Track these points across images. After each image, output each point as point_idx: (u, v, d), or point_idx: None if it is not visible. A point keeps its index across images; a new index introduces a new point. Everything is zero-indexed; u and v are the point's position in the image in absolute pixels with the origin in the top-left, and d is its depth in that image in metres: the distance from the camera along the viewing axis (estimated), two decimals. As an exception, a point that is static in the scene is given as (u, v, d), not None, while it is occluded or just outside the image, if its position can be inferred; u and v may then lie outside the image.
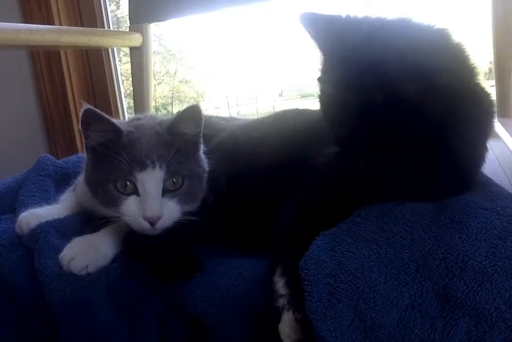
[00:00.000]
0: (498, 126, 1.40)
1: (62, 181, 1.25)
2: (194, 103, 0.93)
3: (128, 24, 1.87)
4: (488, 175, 0.93)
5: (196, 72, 2.79)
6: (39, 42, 1.36)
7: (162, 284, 0.85)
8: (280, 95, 2.68)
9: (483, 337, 0.62)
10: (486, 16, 1.50)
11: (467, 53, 0.83)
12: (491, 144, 0.89)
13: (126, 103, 2.40)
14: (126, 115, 2.34)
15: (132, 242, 0.92)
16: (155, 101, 2.70)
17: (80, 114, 0.91)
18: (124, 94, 2.37)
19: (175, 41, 2.68)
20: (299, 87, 2.59)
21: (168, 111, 2.72)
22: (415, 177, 0.80)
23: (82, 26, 2.13)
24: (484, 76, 1.80)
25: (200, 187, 0.98)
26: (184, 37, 2.57)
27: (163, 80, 2.81)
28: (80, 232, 0.94)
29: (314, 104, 0.95)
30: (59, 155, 1.52)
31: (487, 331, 0.62)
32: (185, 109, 0.94)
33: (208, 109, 0.90)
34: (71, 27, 2.01)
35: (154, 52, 2.39)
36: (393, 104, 0.74)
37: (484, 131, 0.86)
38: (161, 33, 2.62)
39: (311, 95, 2.44)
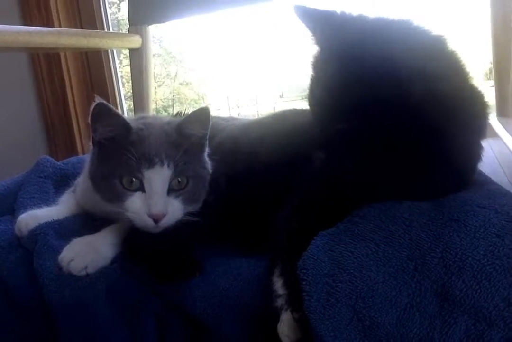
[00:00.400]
0: (497, 125, 1.41)
1: (62, 182, 1.25)
2: (204, 105, 0.94)
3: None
4: (487, 174, 0.93)
5: (197, 74, 2.80)
6: (38, 44, 1.37)
7: (162, 284, 0.85)
8: (281, 96, 2.68)
9: (482, 335, 0.61)
10: (486, 17, 1.50)
11: (461, 61, 0.84)
12: (490, 143, 0.89)
13: (126, 105, 2.41)
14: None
15: (132, 242, 0.91)
16: (156, 103, 2.71)
17: (91, 107, 0.91)
18: (125, 96, 2.38)
19: (176, 44, 2.69)
20: (300, 88, 2.58)
21: (168, 113, 2.72)
22: (410, 177, 0.80)
23: (82, 29, 2.14)
24: (485, 76, 1.81)
25: (203, 188, 0.99)
26: (185, 39, 2.58)
27: (163, 82, 2.82)
28: (80, 233, 0.93)
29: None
30: (59, 157, 1.52)
31: (486, 329, 0.62)
32: (194, 111, 0.95)
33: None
34: (70, 29, 2.02)
35: (154, 55, 2.40)
36: (390, 103, 0.75)
37: (478, 131, 0.86)
38: (162, 35, 2.63)
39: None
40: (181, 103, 2.83)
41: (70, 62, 2.18)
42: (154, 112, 2.17)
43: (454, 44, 0.84)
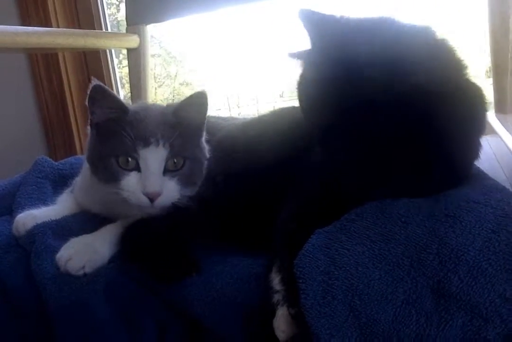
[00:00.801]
0: (495, 122, 1.40)
1: (60, 182, 1.25)
2: (201, 89, 0.95)
3: (129, 27, 1.87)
4: (485, 171, 0.92)
5: (197, 74, 2.79)
6: (35, 44, 1.37)
7: (159, 284, 0.85)
8: (281, 96, 2.68)
9: (478, 331, 0.61)
10: (483, 15, 1.50)
11: (452, 49, 0.84)
12: (488, 140, 0.89)
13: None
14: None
15: (129, 242, 0.92)
16: (156, 103, 2.70)
17: (89, 90, 0.92)
18: (125, 97, 2.37)
19: (176, 44, 2.68)
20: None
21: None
22: (406, 173, 0.79)
23: (80, 29, 2.13)
24: (485, 74, 1.81)
25: (200, 171, 1.00)
26: (184, 40, 2.57)
27: (163, 82, 2.81)
28: (77, 233, 0.94)
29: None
30: (57, 158, 1.52)
31: (482, 325, 0.61)
32: (191, 95, 0.97)
33: (209, 111, 0.91)
34: (67, 29, 2.02)
35: (154, 55, 2.40)
36: (375, 102, 0.75)
37: (476, 125, 0.85)
38: (162, 35, 2.62)
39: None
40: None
41: (68, 63, 2.17)
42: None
43: (456, 44, 0.83)
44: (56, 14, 2.11)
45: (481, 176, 0.90)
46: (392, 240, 0.71)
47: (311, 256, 0.71)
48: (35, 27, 1.49)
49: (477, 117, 0.85)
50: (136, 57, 1.83)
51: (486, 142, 0.88)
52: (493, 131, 1.29)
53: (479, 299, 0.63)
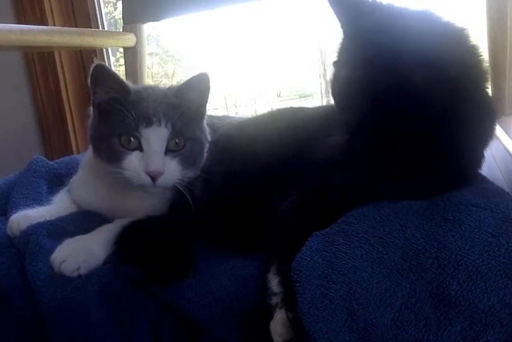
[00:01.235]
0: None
1: (55, 182, 1.24)
2: (203, 71, 0.96)
3: (126, 25, 1.86)
4: (484, 173, 0.92)
5: (194, 73, 2.78)
6: (31, 42, 1.36)
7: (154, 285, 0.84)
8: (279, 96, 2.67)
9: (477, 336, 0.61)
10: (482, 17, 1.49)
11: (482, 59, 0.84)
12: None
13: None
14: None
15: (124, 242, 0.91)
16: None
17: (90, 70, 0.94)
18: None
19: (173, 43, 2.67)
20: (297, 88, 2.58)
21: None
22: (419, 170, 0.79)
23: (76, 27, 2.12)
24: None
25: (201, 152, 1.02)
26: (182, 39, 2.56)
27: (161, 81, 2.80)
28: (72, 234, 0.94)
29: (311, 105, 0.94)
30: (53, 157, 1.52)
31: (481, 330, 0.61)
32: (193, 76, 0.98)
33: (207, 110, 0.91)
34: (63, 27, 2.01)
35: (152, 54, 2.39)
36: (401, 89, 0.75)
37: (487, 136, 0.86)
38: (159, 34, 2.61)
39: (309, 95, 2.44)
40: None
41: (64, 62, 2.16)
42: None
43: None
44: (52, 12, 2.10)
45: (481, 179, 0.89)
46: (391, 243, 0.71)
47: (308, 259, 0.71)
48: (30, 25, 1.48)
49: (489, 129, 0.86)
50: (133, 56, 1.82)
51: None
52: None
53: (478, 304, 0.62)
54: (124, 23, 1.82)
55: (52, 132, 2.21)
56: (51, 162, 1.31)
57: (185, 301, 0.81)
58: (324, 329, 0.64)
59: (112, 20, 2.43)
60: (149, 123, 0.92)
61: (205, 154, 1.03)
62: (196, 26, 2.31)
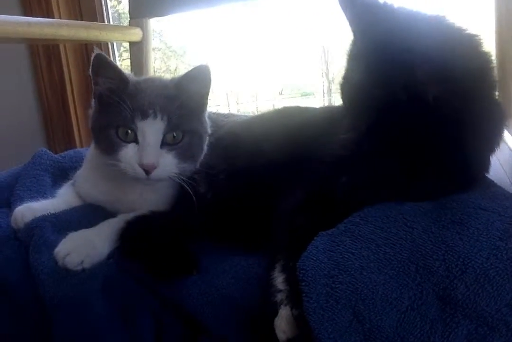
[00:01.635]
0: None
1: (59, 175, 1.24)
2: (204, 63, 0.97)
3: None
4: (489, 177, 0.92)
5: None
6: (38, 35, 1.35)
7: (158, 282, 0.85)
8: (280, 93, 2.67)
9: (483, 340, 0.61)
10: (490, 18, 1.49)
11: (493, 67, 0.85)
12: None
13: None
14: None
15: (128, 238, 0.91)
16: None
17: (92, 59, 0.94)
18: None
19: (176, 38, 2.67)
20: (299, 85, 2.58)
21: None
22: (423, 172, 0.79)
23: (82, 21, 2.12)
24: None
25: (200, 146, 1.01)
26: (185, 34, 2.56)
27: (163, 76, 2.80)
28: (76, 227, 0.93)
29: (314, 103, 0.94)
30: (57, 151, 1.51)
31: (488, 334, 0.61)
32: (194, 68, 0.97)
33: (209, 107, 0.91)
34: (70, 20, 2.00)
35: (154, 49, 2.38)
36: (414, 103, 0.75)
37: (494, 142, 0.86)
38: (162, 29, 2.61)
39: (311, 94, 2.44)
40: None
41: (69, 55, 2.16)
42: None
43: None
44: (58, 6, 2.10)
45: (488, 182, 0.89)
46: (398, 244, 0.71)
47: (314, 258, 0.70)
48: (37, 18, 1.47)
49: (498, 135, 0.87)
50: (138, 51, 1.82)
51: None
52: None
53: (485, 308, 0.62)
54: (130, 17, 1.81)
55: (55, 126, 2.21)
56: (56, 156, 1.31)
57: (189, 298, 0.81)
58: (330, 329, 0.63)
59: (116, 14, 2.42)
60: (144, 116, 0.91)
61: (205, 148, 1.02)
62: (200, 22, 2.31)
